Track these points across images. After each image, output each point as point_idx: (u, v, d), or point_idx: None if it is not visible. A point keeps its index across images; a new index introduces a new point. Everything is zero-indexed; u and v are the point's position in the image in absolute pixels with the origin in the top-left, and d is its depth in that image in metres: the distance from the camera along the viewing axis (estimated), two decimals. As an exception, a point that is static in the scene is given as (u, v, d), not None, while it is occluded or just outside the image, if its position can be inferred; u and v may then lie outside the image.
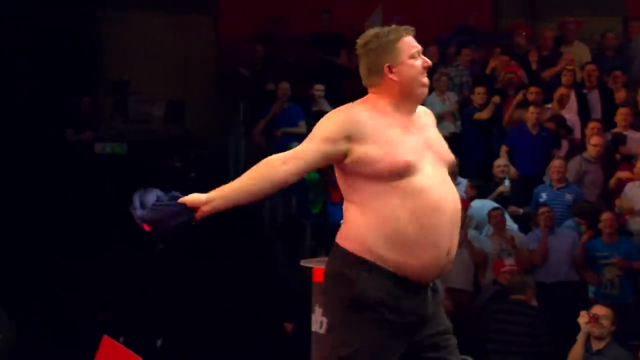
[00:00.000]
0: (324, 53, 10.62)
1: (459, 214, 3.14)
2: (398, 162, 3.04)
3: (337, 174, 3.16)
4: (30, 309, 7.71)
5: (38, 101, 10.00)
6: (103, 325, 8.06)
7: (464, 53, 10.64)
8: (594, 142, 8.60)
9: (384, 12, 10.55)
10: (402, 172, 3.04)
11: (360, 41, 3.20)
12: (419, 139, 3.13)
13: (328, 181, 9.10)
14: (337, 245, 3.13)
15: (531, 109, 9.14)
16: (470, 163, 9.08)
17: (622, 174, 8.52)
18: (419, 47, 3.15)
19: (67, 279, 8.38)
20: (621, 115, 9.24)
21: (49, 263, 8.52)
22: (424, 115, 3.25)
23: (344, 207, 3.15)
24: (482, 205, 8.33)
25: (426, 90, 3.16)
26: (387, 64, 3.13)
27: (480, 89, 9.74)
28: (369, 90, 3.20)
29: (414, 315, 3.09)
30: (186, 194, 2.99)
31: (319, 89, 9.84)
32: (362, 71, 3.20)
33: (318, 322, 4.11)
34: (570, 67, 9.82)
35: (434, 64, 10.22)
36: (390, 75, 3.13)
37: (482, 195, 8.62)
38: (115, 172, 9.38)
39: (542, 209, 8.06)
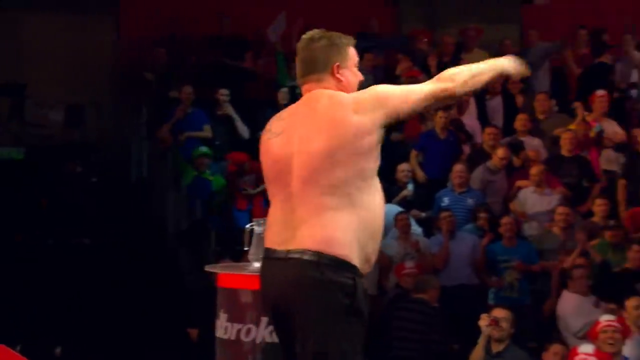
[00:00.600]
0: (226, 56, 10.60)
1: None
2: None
3: (340, 165, 3.07)
4: None
5: None
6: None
7: (366, 58, 10.75)
8: (501, 155, 8.82)
9: (287, 16, 10.60)
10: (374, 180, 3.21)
11: (313, 34, 3.25)
12: None
13: (234, 187, 9.10)
14: (320, 253, 3.02)
15: (440, 113, 9.32)
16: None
17: (520, 182, 8.77)
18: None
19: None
20: (520, 121, 9.52)
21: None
22: None
23: (326, 208, 3.05)
24: (387, 210, 8.41)
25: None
26: (337, 63, 3.22)
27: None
28: (306, 80, 3.23)
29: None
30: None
31: (223, 93, 9.82)
32: (307, 61, 3.23)
33: (222, 327, 4.10)
34: None
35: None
36: (337, 75, 3.23)
37: (385, 199, 8.72)
38: (12, 177, 9.18)
39: (443, 214, 8.23)
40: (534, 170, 8.64)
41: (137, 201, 9.87)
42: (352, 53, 3.26)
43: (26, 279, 8.26)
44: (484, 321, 6.48)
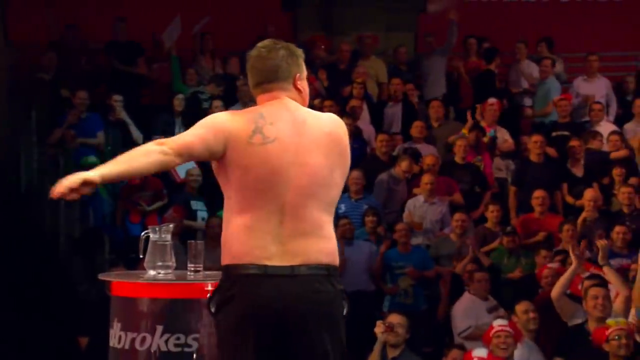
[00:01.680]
0: (120, 62, 10.51)
1: None
2: None
3: (336, 185, 3.25)
4: None
5: None
6: None
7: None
8: (404, 168, 8.99)
9: (182, 21, 10.58)
10: None
11: (270, 43, 3.31)
12: None
13: (129, 201, 9.03)
14: (330, 266, 3.16)
15: (343, 119, 9.41)
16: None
17: (417, 190, 8.97)
18: None
19: None
20: (416, 128, 9.75)
21: None
22: None
23: (323, 223, 3.19)
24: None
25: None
26: (297, 74, 3.31)
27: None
28: (272, 87, 3.28)
29: None
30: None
31: (117, 99, 9.74)
32: (269, 69, 3.27)
33: (116, 337, 4.09)
34: (359, 80, 10.24)
35: (237, 76, 10.45)
36: (298, 85, 3.31)
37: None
38: None
39: (342, 221, 8.33)
40: (426, 178, 8.83)
41: (28, 210, 9.68)
42: (305, 66, 3.36)
43: None
44: (379, 328, 6.60)
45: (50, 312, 8.07)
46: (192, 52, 11.09)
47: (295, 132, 3.15)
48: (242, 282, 3.11)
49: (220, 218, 8.50)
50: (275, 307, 3.08)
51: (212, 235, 7.75)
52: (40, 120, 10.07)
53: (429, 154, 9.39)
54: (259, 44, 3.28)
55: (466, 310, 7.48)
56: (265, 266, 3.08)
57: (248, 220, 3.11)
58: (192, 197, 9.04)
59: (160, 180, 8.97)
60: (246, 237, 3.11)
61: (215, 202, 8.93)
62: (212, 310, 3.19)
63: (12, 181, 10.18)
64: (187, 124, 9.80)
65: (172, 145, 3.10)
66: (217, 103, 9.81)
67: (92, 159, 9.16)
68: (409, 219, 8.70)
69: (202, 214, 8.94)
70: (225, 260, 3.17)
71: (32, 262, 8.76)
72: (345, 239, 8.24)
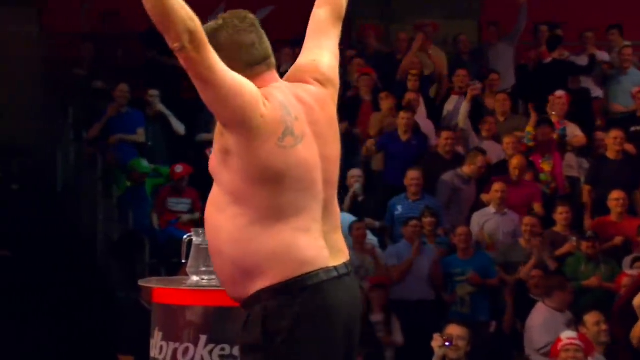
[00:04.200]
0: (158, 53, 10.55)
1: (208, 238, 3.09)
2: None
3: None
4: None
5: None
6: None
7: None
8: (475, 167, 8.83)
9: (226, 9, 10.58)
10: None
11: (249, 15, 3.16)
12: None
13: (166, 205, 9.10)
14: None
15: (402, 114, 9.38)
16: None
17: (485, 197, 8.84)
18: None
19: None
20: (484, 124, 9.65)
21: None
22: None
23: (339, 217, 3.17)
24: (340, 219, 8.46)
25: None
26: None
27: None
28: (272, 66, 3.10)
29: None
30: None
31: (153, 94, 9.78)
32: (267, 45, 3.11)
33: (157, 347, 4.09)
34: (414, 72, 10.15)
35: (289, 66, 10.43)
36: None
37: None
38: None
39: (412, 222, 8.25)
40: (497, 186, 8.65)
41: (64, 210, 9.79)
42: None
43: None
44: (436, 341, 6.50)
45: (89, 322, 8.15)
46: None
47: (310, 120, 3.05)
48: (319, 289, 2.97)
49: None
50: (348, 311, 3.04)
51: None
52: (77, 115, 10.18)
53: (496, 154, 9.29)
54: (229, 16, 3.07)
55: (544, 325, 7.31)
56: (335, 267, 3.01)
57: (301, 223, 2.99)
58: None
59: (195, 191, 8.99)
60: (309, 240, 2.99)
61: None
62: (270, 340, 2.95)
63: (48, 180, 10.30)
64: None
65: (200, 43, 2.84)
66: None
67: (145, 166, 9.19)
68: (481, 236, 8.57)
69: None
70: (284, 274, 2.95)
71: (67, 264, 8.86)
72: (415, 242, 8.18)
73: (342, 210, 8.76)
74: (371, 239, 8.45)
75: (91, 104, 10.07)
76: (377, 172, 9.50)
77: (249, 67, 3.00)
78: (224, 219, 2.99)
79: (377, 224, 8.89)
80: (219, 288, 3.91)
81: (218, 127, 2.98)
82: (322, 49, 3.21)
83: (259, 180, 2.94)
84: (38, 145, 10.56)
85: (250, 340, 2.96)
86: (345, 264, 3.05)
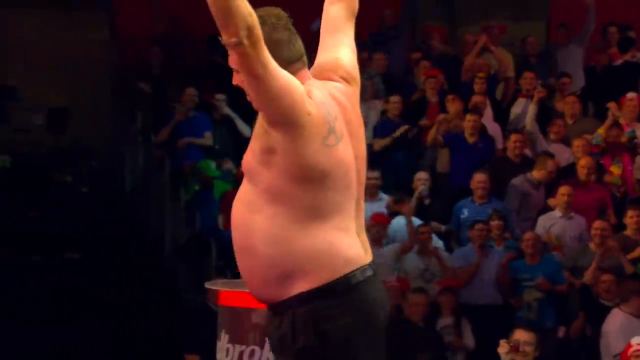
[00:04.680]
0: (223, 57, 10.58)
1: (233, 232, 3.03)
2: None
3: None
4: None
5: None
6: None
7: (376, 58, 10.77)
8: (545, 172, 8.70)
9: (292, 15, 10.60)
10: None
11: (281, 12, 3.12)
12: None
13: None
14: None
15: (468, 116, 9.30)
16: (391, 177, 9.21)
17: (552, 202, 8.72)
18: (230, 61, 3.05)
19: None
20: (553, 127, 9.53)
21: None
22: None
23: None
24: (405, 222, 8.45)
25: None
26: None
27: (395, 98, 9.88)
28: (305, 64, 3.10)
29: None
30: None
31: (219, 98, 9.85)
32: (297, 39, 3.10)
33: (224, 349, 4.11)
34: (481, 75, 10.06)
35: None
36: None
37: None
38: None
39: (477, 225, 8.18)
40: (563, 189, 8.51)
41: (132, 213, 9.89)
42: None
43: (11, 298, 8.28)
44: (503, 348, 6.41)
45: (156, 324, 8.22)
46: (306, 48, 11.10)
47: (345, 119, 3.03)
48: (360, 289, 2.96)
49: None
50: (384, 308, 3.04)
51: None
52: (145, 118, 10.28)
53: (565, 158, 9.16)
54: (265, 13, 2.97)
55: (621, 330, 7.15)
56: (370, 266, 3.01)
57: (341, 222, 2.96)
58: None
59: None
60: (349, 239, 2.98)
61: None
62: (325, 341, 2.91)
63: (117, 182, 10.43)
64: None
65: (257, 39, 2.79)
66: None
67: (214, 170, 9.24)
68: (547, 238, 8.45)
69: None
70: (329, 274, 2.92)
71: (135, 266, 8.95)
72: (477, 245, 8.11)
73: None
74: (436, 242, 8.40)
75: (159, 107, 10.16)
76: (442, 175, 9.43)
77: (288, 64, 2.94)
78: (261, 219, 2.94)
79: (442, 227, 8.83)
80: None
81: (260, 126, 2.94)
82: (341, 47, 3.18)
83: (303, 179, 2.91)
84: (107, 148, 10.70)
85: (303, 344, 2.91)
86: (370, 264, 3.04)
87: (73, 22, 11.06)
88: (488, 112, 9.94)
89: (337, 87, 3.06)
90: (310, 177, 2.91)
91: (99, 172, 10.28)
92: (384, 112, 9.93)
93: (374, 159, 9.49)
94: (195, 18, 11.14)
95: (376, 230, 8.25)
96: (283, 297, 2.93)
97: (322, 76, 3.08)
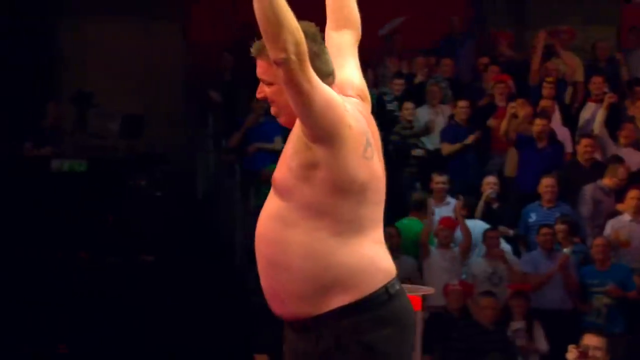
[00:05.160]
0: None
1: (262, 247, 2.99)
2: None
3: None
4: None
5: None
6: (60, 358, 8.06)
7: (444, 64, 10.74)
8: (616, 178, 8.57)
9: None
10: None
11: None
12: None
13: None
14: None
15: (537, 121, 9.21)
16: (458, 181, 9.17)
17: (621, 206, 8.59)
18: (257, 73, 3.04)
19: (21, 305, 8.34)
20: (624, 131, 9.38)
21: (3, 285, 8.47)
22: (296, 123, 2.99)
23: None
24: (473, 226, 8.43)
25: (276, 117, 3.05)
26: None
27: (463, 103, 9.83)
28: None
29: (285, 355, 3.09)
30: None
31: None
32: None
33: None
34: (549, 79, 9.95)
35: (424, 76, 10.43)
36: None
37: (469, 214, 8.72)
38: (75, 190, 9.37)
39: (543, 230, 8.11)
40: (633, 193, 8.39)
41: (204, 216, 9.99)
42: None
43: (90, 298, 8.42)
44: (571, 354, 6.32)
45: (226, 326, 8.28)
46: (374, 52, 11.13)
47: (376, 137, 3.06)
48: (398, 299, 2.97)
49: (398, 228, 8.50)
50: (414, 317, 3.08)
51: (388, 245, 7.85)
52: (216, 124, 10.38)
53: (636, 163, 9.01)
54: (304, 26, 2.88)
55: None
56: (398, 276, 3.04)
57: (377, 235, 2.99)
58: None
59: None
60: (384, 252, 3.01)
61: (386, 211, 8.94)
62: (373, 352, 2.92)
63: (188, 188, 10.54)
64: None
65: (304, 54, 2.77)
66: (408, 105, 9.80)
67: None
68: (615, 236, 8.29)
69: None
70: (369, 287, 2.92)
71: (207, 269, 9.03)
72: (545, 249, 8.03)
73: (474, 217, 8.75)
74: (504, 246, 8.34)
75: (231, 113, 10.25)
76: (510, 179, 9.36)
77: (324, 77, 2.92)
78: (297, 233, 2.91)
79: (510, 231, 8.77)
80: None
81: (300, 142, 2.91)
82: (351, 67, 3.17)
83: (344, 192, 2.90)
84: (180, 153, 10.82)
85: (350, 357, 2.90)
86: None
87: (148, 31, 11.21)
88: (556, 117, 9.84)
89: (357, 102, 3.07)
90: (352, 190, 2.91)
91: (172, 176, 10.39)
92: (451, 117, 9.89)
93: (442, 163, 9.46)
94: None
95: (444, 234, 8.24)
96: (319, 312, 2.92)
97: (340, 92, 3.06)
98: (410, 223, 8.50)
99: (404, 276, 7.82)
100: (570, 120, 10.00)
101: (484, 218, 8.66)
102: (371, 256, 2.95)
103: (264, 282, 3.02)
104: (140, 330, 8.23)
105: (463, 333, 7.58)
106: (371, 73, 10.59)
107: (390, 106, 10.13)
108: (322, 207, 2.91)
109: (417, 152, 9.69)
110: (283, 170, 2.95)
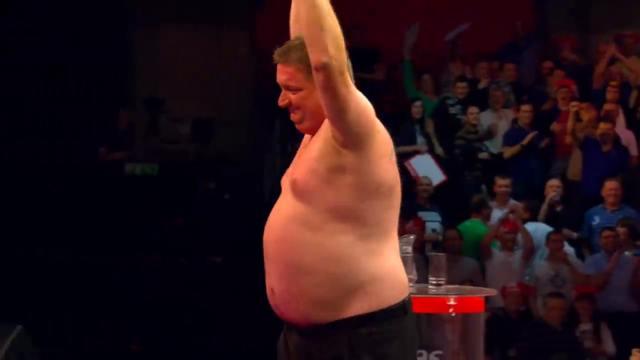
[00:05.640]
0: (357, 69, 10.67)
1: (279, 250, 2.94)
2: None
3: None
4: (57, 336, 7.82)
5: (70, 118, 10.22)
6: (133, 357, 8.20)
7: (506, 68, 10.71)
8: None
9: (419, 28, 10.68)
10: None
11: None
12: (297, 162, 3.02)
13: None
14: None
15: (602, 125, 9.15)
16: (520, 184, 9.14)
17: None
18: (279, 79, 3.04)
19: (95, 305, 8.49)
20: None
21: (77, 287, 8.64)
22: (322, 127, 2.96)
23: None
24: (536, 228, 8.40)
25: (296, 123, 3.01)
26: None
27: (526, 107, 9.79)
28: None
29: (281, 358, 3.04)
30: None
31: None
32: None
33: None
34: (614, 84, 9.86)
35: (487, 81, 10.40)
36: None
37: (532, 216, 8.69)
38: (146, 193, 9.51)
39: (605, 232, 8.07)
40: None
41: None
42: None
43: (159, 299, 8.55)
44: (635, 357, 6.28)
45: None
46: (437, 57, 11.13)
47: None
48: (411, 314, 2.94)
49: (460, 231, 8.49)
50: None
51: (449, 248, 7.88)
52: (283, 128, 10.47)
53: None
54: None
55: None
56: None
57: (394, 241, 2.95)
58: (421, 208, 9.03)
59: None
60: (400, 263, 2.97)
61: (450, 213, 8.94)
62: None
63: (256, 190, 10.64)
64: (427, 132, 9.89)
65: (344, 60, 2.81)
66: (473, 109, 9.79)
67: None
68: None
69: (433, 225, 8.92)
70: (391, 295, 2.89)
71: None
72: (608, 252, 7.99)
73: (537, 220, 8.72)
74: (567, 249, 8.30)
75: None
76: (573, 183, 9.30)
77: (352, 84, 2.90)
78: (320, 237, 2.85)
79: (574, 234, 8.71)
80: (417, 295, 3.98)
81: (328, 146, 2.87)
82: None
83: (372, 195, 2.87)
84: (248, 156, 10.93)
85: None
86: None
87: (218, 38, 11.35)
88: (621, 120, 9.74)
89: None
90: (379, 194, 2.88)
91: (240, 179, 10.50)
92: (515, 121, 9.85)
93: (505, 166, 9.44)
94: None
95: (507, 237, 8.24)
96: (336, 318, 2.85)
97: None
98: (472, 225, 8.53)
99: (465, 278, 7.90)
100: (634, 124, 9.90)
101: (547, 221, 8.62)
102: (392, 265, 2.91)
103: (278, 285, 2.95)
104: (208, 330, 8.33)
105: (529, 333, 7.57)
106: (429, 78, 10.60)
107: (452, 110, 10.13)
108: (349, 211, 2.85)
109: (483, 155, 9.69)
110: (306, 174, 2.90)
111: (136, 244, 9.01)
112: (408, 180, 9.37)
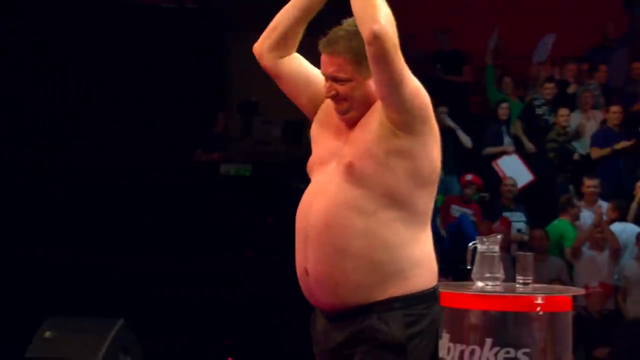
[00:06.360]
0: (444, 72, 10.69)
1: (327, 234, 2.85)
2: (308, 162, 3.04)
3: None
4: (157, 333, 7.97)
5: (166, 120, 10.44)
6: (227, 352, 8.31)
7: (599, 69, 10.55)
8: None
9: (499, 32, 10.64)
10: (309, 175, 3.01)
11: None
12: (339, 145, 2.93)
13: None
14: None
15: None
16: (608, 184, 9.01)
17: None
18: (326, 71, 2.98)
19: (192, 303, 8.63)
20: None
21: (176, 284, 8.80)
22: (371, 112, 2.89)
23: None
24: (624, 229, 8.28)
25: (340, 114, 2.93)
26: None
27: (615, 109, 9.63)
28: None
29: (317, 346, 3.05)
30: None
31: (442, 110, 9.96)
32: None
33: (445, 347, 4.17)
34: None
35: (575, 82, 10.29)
36: None
37: (621, 216, 8.56)
38: (241, 193, 9.64)
39: None
40: None
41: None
42: (321, 62, 3.07)
43: (254, 296, 8.65)
44: None
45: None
46: (523, 59, 11.04)
47: None
48: (438, 306, 2.97)
49: (546, 232, 8.38)
50: None
51: (536, 248, 7.82)
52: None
53: None
54: None
55: None
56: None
57: (429, 229, 2.93)
58: (506, 209, 8.95)
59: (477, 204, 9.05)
60: (433, 250, 2.96)
61: (536, 214, 8.86)
62: (412, 341, 2.89)
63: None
64: (515, 134, 9.82)
65: (397, 42, 2.74)
66: (564, 111, 9.69)
67: None
68: None
69: (518, 225, 8.84)
70: (426, 281, 2.90)
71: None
72: None
73: (626, 220, 8.58)
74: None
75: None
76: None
77: None
78: (372, 222, 2.80)
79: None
80: (504, 294, 3.99)
81: (386, 129, 2.81)
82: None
83: (425, 182, 2.83)
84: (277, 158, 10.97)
85: (391, 340, 2.83)
86: None
87: (307, 43, 11.42)
88: None
89: None
90: (431, 181, 2.86)
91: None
92: (604, 122, 9.71)
93: (593, 167, 9.31)
94: (423, 36, 11.30)
95: (596, 237, 8.15)
96: (371, 301, 2.84)
97: None
98: (559, 224, 8.47)
99: (552, 277, 7.82)
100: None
101: (636, 221, 8.48)
102: (430, 253, 2.91)
103: (317, 268, 2.87)
104: (302, 325, 8.38)
105: (622, 333, 7.46)
106: (510, 81, 10.52)
107: (539, 111, 10.03)
108: (402, 197, 2.81)
109: (575, 156, 9.61)
110: (363, 158, 2.82)
111: (231, 241, 9.13)
112: (495, 180, 9.32)
